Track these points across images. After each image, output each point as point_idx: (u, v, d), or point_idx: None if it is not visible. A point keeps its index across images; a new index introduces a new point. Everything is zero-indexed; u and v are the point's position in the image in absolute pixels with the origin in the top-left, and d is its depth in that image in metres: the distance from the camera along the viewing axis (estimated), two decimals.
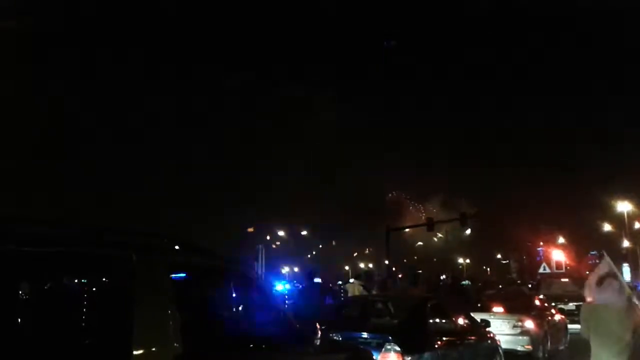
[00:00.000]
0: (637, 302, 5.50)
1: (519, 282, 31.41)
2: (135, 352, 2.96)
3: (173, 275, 3.46)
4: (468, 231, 69.34)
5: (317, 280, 12.87)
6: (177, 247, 3.74)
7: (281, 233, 71.30)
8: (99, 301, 3.13)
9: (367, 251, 73.81)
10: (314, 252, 61.88)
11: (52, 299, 3.21)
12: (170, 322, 3.20)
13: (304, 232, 74.94)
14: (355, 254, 73.46)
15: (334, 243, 73.17)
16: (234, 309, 4.14)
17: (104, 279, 3.26)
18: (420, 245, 73.85)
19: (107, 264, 3.26)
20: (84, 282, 3.23)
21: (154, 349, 3.08)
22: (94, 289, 3.21)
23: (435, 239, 78.04)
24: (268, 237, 63.06)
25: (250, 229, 48.60)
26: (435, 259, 63.95)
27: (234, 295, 4.23)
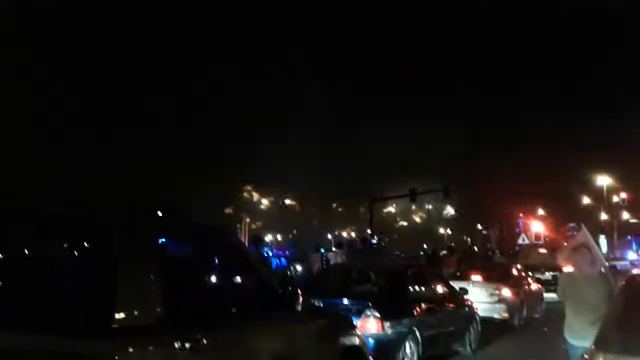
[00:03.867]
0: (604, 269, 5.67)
1: (497, 251, 32.02)
2: (117, 316, 2.99)
3: (155, 241, 3.47)
4: (452, 211, 70.25)
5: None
6: (159, 213, 3.75)
7: (265, 202, 71.41)
8: (81, 266, 3.14)
9: (348, 228, 74.31)
10: (294, 232, 61.91)
11: (34, 263, 3.21)
12: (153, 287, 3.24)
13: (288, 201, 75.12)
14: (336, 232, 73.97)
15: (314, 222, 73.38)
16: (217, 275, 4.18)
17: (86, 244, 3.26)
18: (403, 225, 74.48)
19: (89, 230, 3.26)
20: (65, 247, 3.23)
21: (136, 312, 3.12)
22: (76, 254, 3.21)
23: (418, 219, 78.90)
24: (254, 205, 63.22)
25: (229, 210, 48.37)
26: (416, 234, 64.61)
27: (216, 261, 4.26)
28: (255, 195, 65.49)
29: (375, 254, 16.23)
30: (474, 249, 33.73)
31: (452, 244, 31.64)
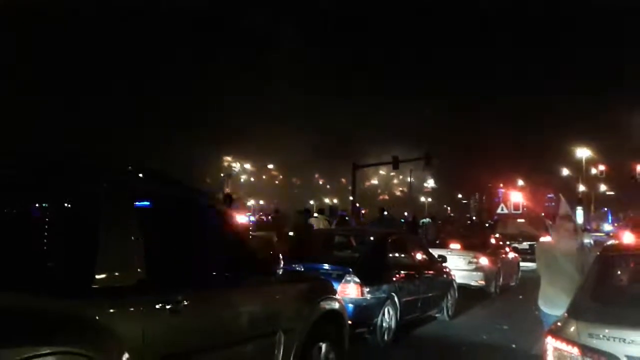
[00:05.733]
0: (589, 242, 5.79)
1: (473, 218, 32.58)
2: (97, 276, 2.99)
3: (137, 203, 3.45)
4: (432, 183, 70.83)
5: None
6: (141, 175, 3.72)
7: (247, 166, 71.27)
8: (62, 226, 3.11)
9: (327, 186, 74.71)
10: (275, 201, 61.85)
11: (13, 221, 3.18)
12: (134, 248, 3.23)
13: (271, 166, 75.05)
14: (321, 182, 74.38)
15: (294, 180, 73.61)
16: (198, 239, 4.18)
17: (67, 205, 3.23)
18: (385, 199, 75.00)
19: (70, 191, 3.23)
20: (46, 206, 3.19)
21: (117, 274, 3.12)
22: (57, 214, 3.18)
23: (398, 193, 79.46)
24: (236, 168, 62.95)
25: (208, 180, 48.00)
26: (397, 203, 65.09)
27: (198, 225, 4.25)
28: (237, 165, 65.22)
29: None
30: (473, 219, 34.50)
31: (452, 214, 32.65)
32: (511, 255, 14.96)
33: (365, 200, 51.97)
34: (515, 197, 35.97)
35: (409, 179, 64.92)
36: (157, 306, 3.23)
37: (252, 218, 25.53)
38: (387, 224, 16.26)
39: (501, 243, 15.25)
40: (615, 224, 38.16)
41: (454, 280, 10.23)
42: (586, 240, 5.89)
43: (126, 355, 2.94)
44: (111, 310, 2.98)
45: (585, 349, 3.54)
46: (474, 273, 12.57)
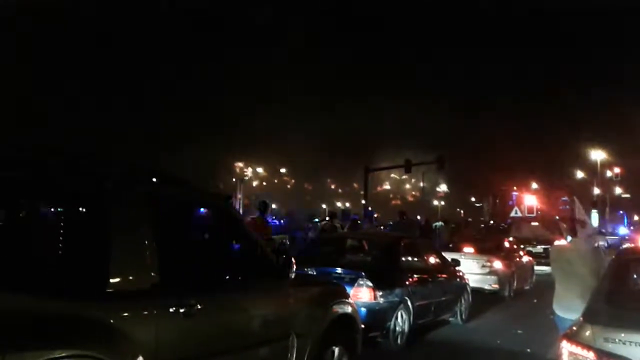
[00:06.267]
0: (604, 245, 5.72)
1: (490, 222, 32.40)
2: (112, 280, 3.01)
3: (150, 207, 3.47)
4: (445, 188, 70.58)
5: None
6: (154, 179, 3.75)
7: (260, 170, 71.48)
8: (76, 230, 3.14)
9: (339, 190, 74.65)
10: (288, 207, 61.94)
11: (27, 226, 3.21)
12: (147, 252, 3.25)
13: (283, 170, 75.22)
14: (333, 187, 74.31)
15: (306, 185, 73.72)
16: (211, 242, 4.20)
17: (80, 208, 3.26)
18: (397, 204, 74.95)
19: (82, 193, 3.25)
20: (59, 210, 3.23)
21: (131, 277, 3.14)
22: (70, 218, 3.21)
23: (411, 198, 79.31)
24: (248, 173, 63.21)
25: (221, 185, 48.08)
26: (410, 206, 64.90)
27: (211, 228, 4.28)
28: (249, 170, 65.44)
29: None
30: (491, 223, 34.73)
31: (469, 219, 33.07)
32: (525, 258, 14.84)
33: (378, 204, 51.82)
34: (529, 200, 35.76)
35: (421, 183, 64.64)
36: (171, 310, 3.24)
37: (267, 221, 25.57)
38: (406, 228, 16.32)
39: (515, 246, 15.13)
40: (631, 227, 37.74)
41: (468, 284, 10.16)
42: (601, 243, 5.81)
43: (140, 358, 2.96)
44: (125, 314, 3.00)
45: (601, 354, 3.50)
46: (488, 277, 12.49)
